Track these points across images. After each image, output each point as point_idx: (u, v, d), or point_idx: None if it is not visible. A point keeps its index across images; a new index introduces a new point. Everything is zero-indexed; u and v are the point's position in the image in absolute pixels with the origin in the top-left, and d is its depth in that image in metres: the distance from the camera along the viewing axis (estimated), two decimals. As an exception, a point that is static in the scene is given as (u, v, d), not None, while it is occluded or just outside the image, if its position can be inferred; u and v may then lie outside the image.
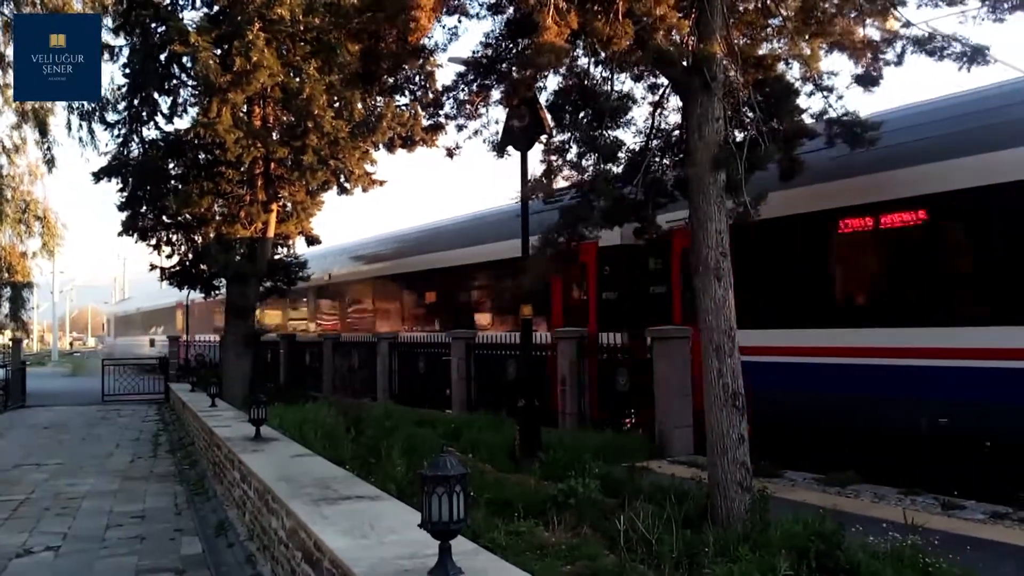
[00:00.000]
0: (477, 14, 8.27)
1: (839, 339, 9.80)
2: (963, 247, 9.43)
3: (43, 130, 22.95)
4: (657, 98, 8.26)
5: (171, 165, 19.32)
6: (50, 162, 23.63)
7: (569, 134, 8.11)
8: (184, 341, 35.05)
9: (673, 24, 6.57)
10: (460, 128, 8.93)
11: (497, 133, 9.34)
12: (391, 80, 9.64)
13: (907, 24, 7.48)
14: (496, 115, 9.23)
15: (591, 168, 7.88)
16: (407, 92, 16.79)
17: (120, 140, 19.36)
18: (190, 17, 18.19)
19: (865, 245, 10.16)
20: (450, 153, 8.93)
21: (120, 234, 19.89)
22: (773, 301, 10.78)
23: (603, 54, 7.45)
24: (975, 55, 7.11)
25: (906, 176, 9.16)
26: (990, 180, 8.38)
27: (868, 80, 7.68)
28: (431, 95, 12.41)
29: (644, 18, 6.58)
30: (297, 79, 17.64)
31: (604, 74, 7.92)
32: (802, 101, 7.96)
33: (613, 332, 12.89)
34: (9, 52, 20.21)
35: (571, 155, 8.07)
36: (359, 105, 18.18)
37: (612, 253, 13.87)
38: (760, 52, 7.93)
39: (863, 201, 9.59)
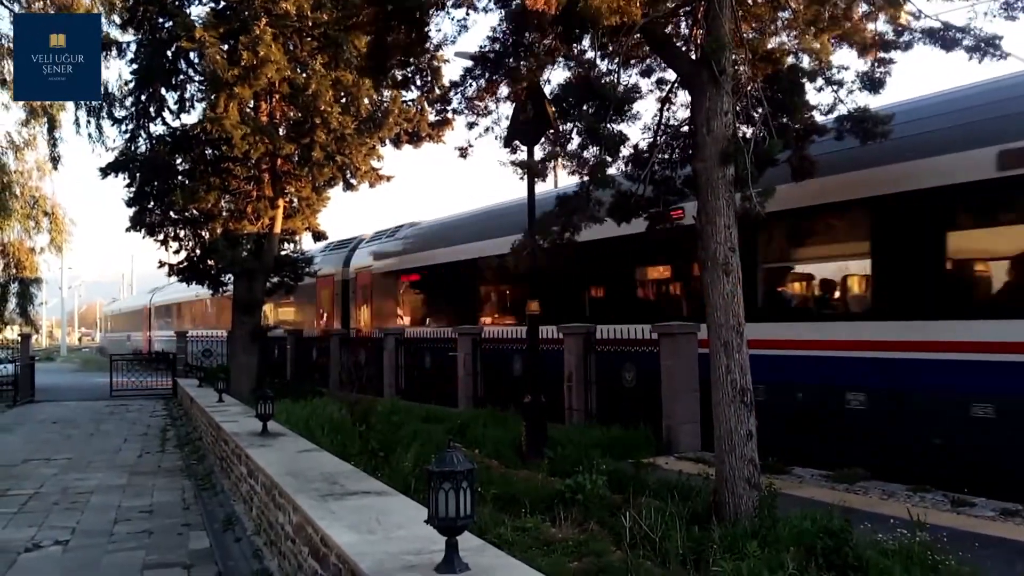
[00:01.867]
0: (485, 7, 8.25)
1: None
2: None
3: (51, 127, 23.03)
4: (665, 93, 8.21)
5: (178, 161, 19.38)
6: (55, 159, 23.71)
7: (572, 124, 8.06)
8: (148, 336, 45.54)
9: None
10: (471, 126, 8.91)
11: (507, 130, 9.33)
12: (399, 74, 9.60)
13: (918, 14, 7.41)
14: (505, 111, 9.20)
15: (592, 159, 7.83)
16: (414, 87, 16.80)
17: (128, 136, 19.45)
18: (197, 12, 18.24)
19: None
20: (463, 153, 8.90)
21: (128, 230, 19.95)
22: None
23: (611, 47, 7.40)
24: (988, 45, 7.03)
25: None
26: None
27: (874, 83, 7.61)
28: (438, 91, 12.39)
29: None
30: (304, 75, 17.66)
31: (611, 67, 7.87)
32: (811, 97, 7.91)
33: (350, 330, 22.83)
34: (15, 48, 20.27)
35: (573, 146, 8.03)
36: (365, 101, 18.18)
37: (341, 283, 24.13)
38: (769, 46, 7.87)
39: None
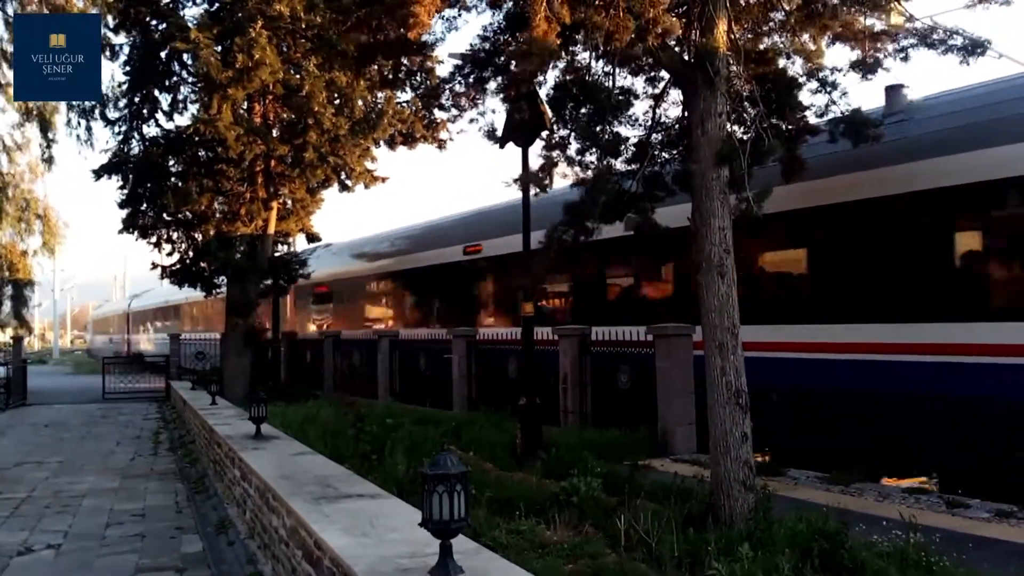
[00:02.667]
0: (476, 7, 8.23)
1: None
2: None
3: (44, 128, 22.94)
4: (659, 91, 8.21)
5: (171, 162, 19.33)
6: (49, 160, 23.64)
7: (569, 129, 8.06)
8: (126, 339, 51.33)
9: (669, 27, 6.53)
10: (454, 119, 8.96)
11: (492, 123, 9.35)
12: (389, 67, 9.58)
13: (910, 18, 7.42)
14: (492, 105, 9.22)
15: (592, 164, 7.83)
16: (408, 88, 16.77)
17: (121, 137, 19.36)
18: (190, 14, 18.20)
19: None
20: (441, 145, 8.96)
21: (121, 232, 19.89)
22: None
23: (603, 48, 7.39)
24: (975, 48, 7.05)
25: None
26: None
27: (867, 67, 7.60)
28: (430, 89, 12.33)
29: (644, 14, 6.53)
30: (298, 76, 17.63)
31: (606, 68, 7.87)
32: (804, 97, 7.91)
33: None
34: (11, 50, 20.18)
35: (572, 151, 8.02)
36: (359, 102, 18.16)
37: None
38: (762, 47, 7.87)
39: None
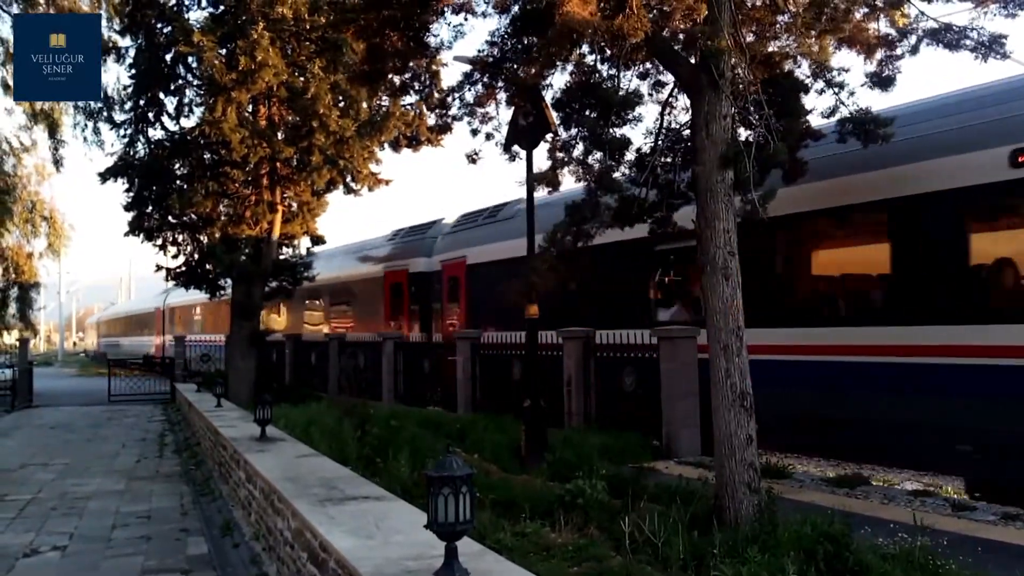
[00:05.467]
0: (483, 12, 8.24)
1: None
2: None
3: (52, 130, 22.97)
4: (665, 96, 8.21)
5: (177, 165, 19.36)
6: (57, 162, 23.67)
7: (576, 130, 8.06)
8: (98, 342, 64.76)
9: (690, 5, 6.47)
10: (475, 132, 8.91)
11: (507, 137, 9.32)
12: (397, 79, 9.58)
13: (920, 16, 7.40)
14: (506, 116, 9.21)
15: (597, 165, 7.83)
16: (413, 91, 16.76)
17: (126, 140, 19.43)
18: (195, 17, 18.25)
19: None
20: (472, 159, 8.92)
21: (126, 234, 19.92)
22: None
23: (609, 51, 7.40)
24: (992, 45, 7.03)
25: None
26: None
27: (883, 81, 7.59)
28: (437, 95, 12.33)
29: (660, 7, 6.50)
30: (302, 78, 17.65)
31: (611, 71, 7.87)
32: (810, 99, 7.91)
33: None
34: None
35: (577, 152, 8.02)
36: (365, 104, 18.16)
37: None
38: (768, 49, 7.86)
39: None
